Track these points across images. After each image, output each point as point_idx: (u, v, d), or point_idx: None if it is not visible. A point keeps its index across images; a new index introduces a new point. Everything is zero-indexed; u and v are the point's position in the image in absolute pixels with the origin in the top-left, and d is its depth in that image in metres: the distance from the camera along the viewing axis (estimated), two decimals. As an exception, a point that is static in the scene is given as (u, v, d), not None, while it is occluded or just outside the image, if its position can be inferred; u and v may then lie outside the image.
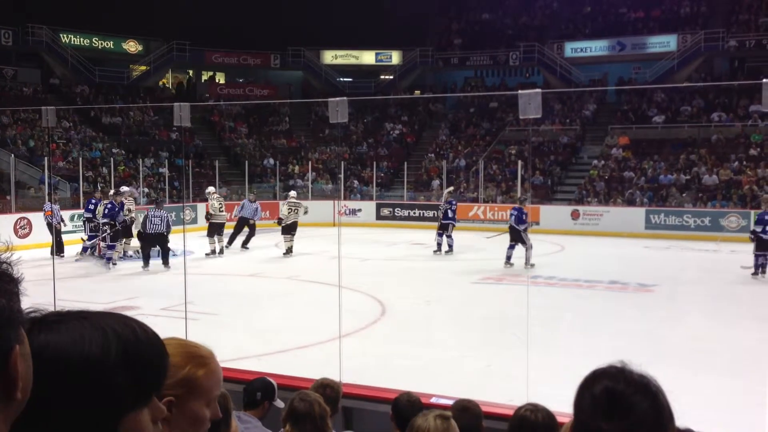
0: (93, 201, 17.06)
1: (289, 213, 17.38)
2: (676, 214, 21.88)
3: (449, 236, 17.44)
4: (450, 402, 4.43)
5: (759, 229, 14.16)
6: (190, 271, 13.65)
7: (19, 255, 0.92)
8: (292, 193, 18.85)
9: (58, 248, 16.89)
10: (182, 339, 1.40)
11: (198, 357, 1.35)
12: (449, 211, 17.50)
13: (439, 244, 17.52)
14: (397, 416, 3.71)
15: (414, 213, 25.41)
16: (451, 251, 17.39)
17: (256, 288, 13.44)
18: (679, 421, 2.62)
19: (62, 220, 17.43)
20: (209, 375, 1.33)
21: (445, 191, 19.69)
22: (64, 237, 17.38)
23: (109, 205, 15.80)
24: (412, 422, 2.98)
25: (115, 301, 11.01)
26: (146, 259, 15.00)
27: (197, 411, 1.28)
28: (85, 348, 0.89)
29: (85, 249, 16.82)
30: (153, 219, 14.97)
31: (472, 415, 3.45)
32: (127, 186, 19.30)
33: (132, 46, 33.28)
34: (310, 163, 28.31)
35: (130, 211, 16.66)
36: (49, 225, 16.64)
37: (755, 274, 14.24)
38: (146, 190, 20.70)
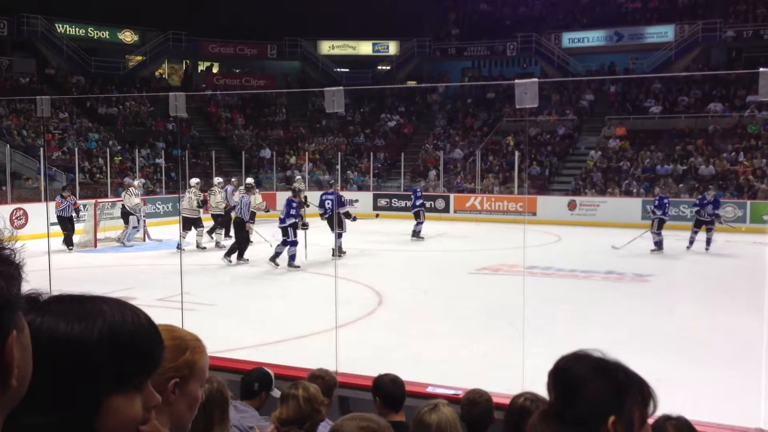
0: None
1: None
2: (673, 204, 21.83)
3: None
4: (447, 391, 4.45)
5: (660, 212, 16.28)
6: (186, 261, 13.66)
7: (23, 243, 0.92)
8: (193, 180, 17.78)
9: (67, 240, 16.82)
10: (169, 324, 1.43)
11: (193, 341, 1.42)
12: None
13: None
14: (383, 396, 3.70)
15: (411, 204, 25.34)
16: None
17: (253, 278, 13.44)
18: (673, 409, 2.63)
19: (76, 211, 17.19)
20: (205, 358, 1.41)
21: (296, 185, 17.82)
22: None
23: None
24: (420, 418, 2.93)
25: (112, 291, 10.94)
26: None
27: (194, 392, 1.35)
28: (68, 327, 0.90)
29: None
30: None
31: (483, 409, 3.43)
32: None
33: (128, 36, 33.10)
34: (306, 153, 28.26)
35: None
36: (60, 217, 16.57)
37: (656, 251, 16.15)
38: (143, 180, 20.64)
